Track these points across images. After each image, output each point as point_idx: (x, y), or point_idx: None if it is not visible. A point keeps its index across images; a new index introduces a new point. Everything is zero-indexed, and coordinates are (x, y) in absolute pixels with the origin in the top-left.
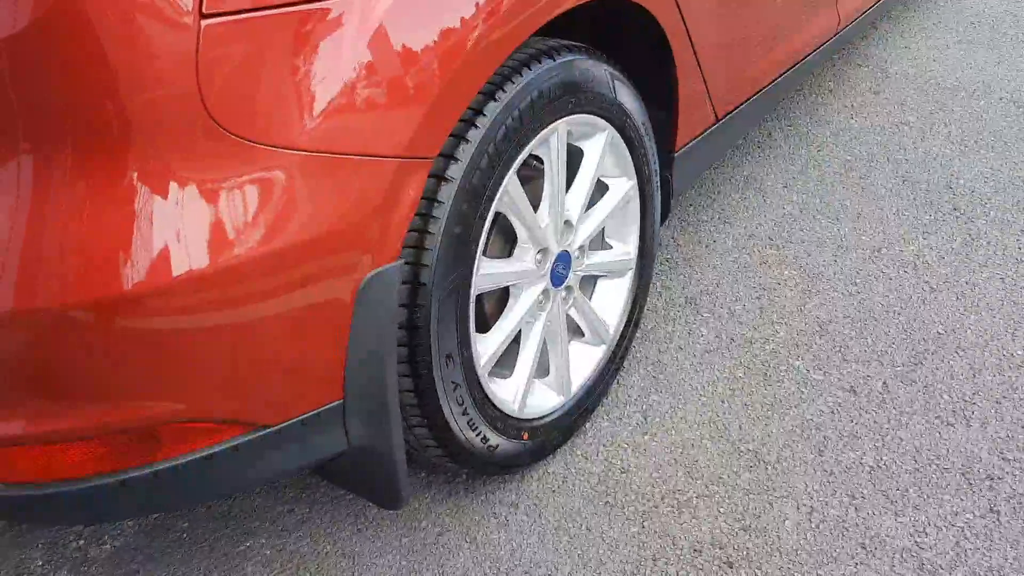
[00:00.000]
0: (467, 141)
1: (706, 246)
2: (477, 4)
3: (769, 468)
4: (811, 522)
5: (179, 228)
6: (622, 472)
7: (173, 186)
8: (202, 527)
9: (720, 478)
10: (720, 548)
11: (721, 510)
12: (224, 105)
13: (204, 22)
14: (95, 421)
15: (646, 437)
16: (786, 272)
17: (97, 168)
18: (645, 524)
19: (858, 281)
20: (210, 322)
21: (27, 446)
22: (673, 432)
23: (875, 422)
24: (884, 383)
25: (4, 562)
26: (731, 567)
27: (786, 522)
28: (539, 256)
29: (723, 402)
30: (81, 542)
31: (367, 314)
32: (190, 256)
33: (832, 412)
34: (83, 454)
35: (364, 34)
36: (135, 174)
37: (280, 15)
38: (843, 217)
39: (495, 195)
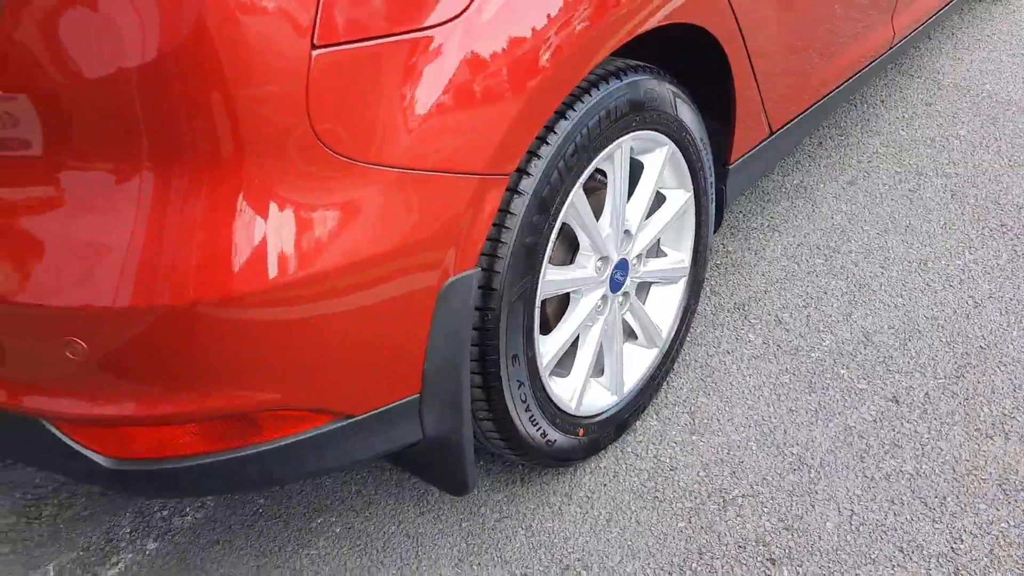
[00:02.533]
0: (539, 157)
1: (755, 253)
2: (557, 30)
3: (812, 472)
4: (851, 524)
5: (281, 236)
6: (671, 469)
7: (279, 200)
8: (277, 503)
9: (765, 479)
10: (764, 545)
11: (765, 509)
12: (329, 127)
13: (315, 52)
14: (202, 407)
15: (694, 437)
16: (833, 282)
17: (211, 183)
18: (692, 520)
19: (904, 293)
20: (305, 323)
21: (143, 426)
22: (720, 433)
23: (916, 432)
24: (926, 394)
25: (95, 528)
26: (774, 564)
27: (827, 523)
28: (599, 263)
29: (769, 407)
30: (165, 512)
31: (446, 316)
32: (289, 262)
33: (875, 420)
34: (191, 435)
35: (458, 62)
36: (245, 189)
37: (384, 44)
38: (891, 229)
39: (562, 207)
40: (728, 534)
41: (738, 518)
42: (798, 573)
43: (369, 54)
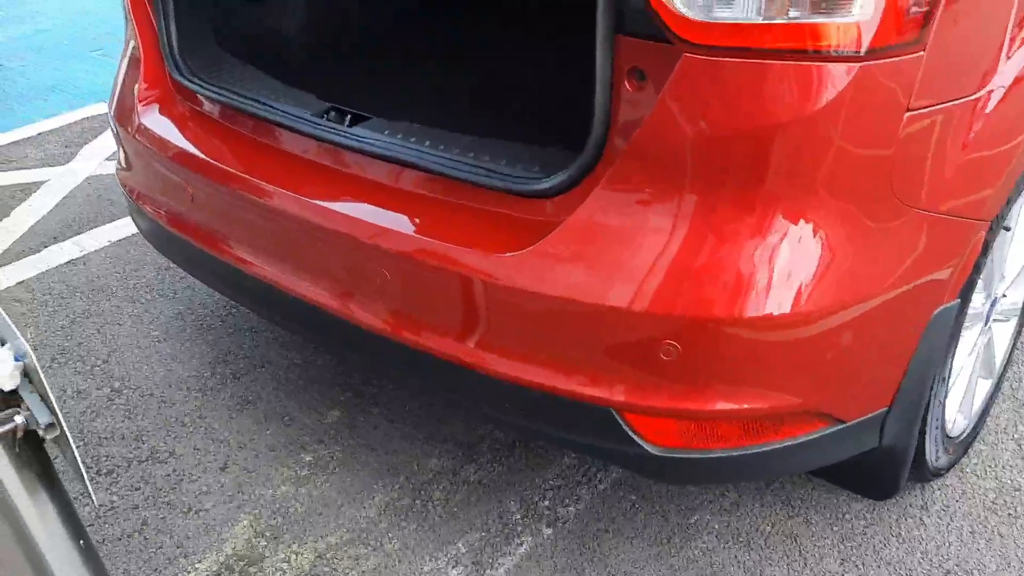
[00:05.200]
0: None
1: None
2: None
3: None
4: None
5: (835, 268)
6: (1015, 489)
7: (840, 235)
8: (649, 501)
9: None
10: None
11: None
12: (901, 175)
13: (907, 114)
14: (751, 406)
15: None
16: None
17: (766, 214)
18: None
19: None
20: (827, 345)
21: (681, 419)
22: None
23: None
24: None
25: (487, 512)
26: None
27: None
28: (984, 299)
29: None
30: (547, 503)
31: (928, 341)
32: (837, 290)
33: None
34: (732, 430)
35: (983, 127)
36: (809, 224)
37: (950, 107)
38: None
39: (991, 250)
40: None
41: None
42: None
43: (938, 115)
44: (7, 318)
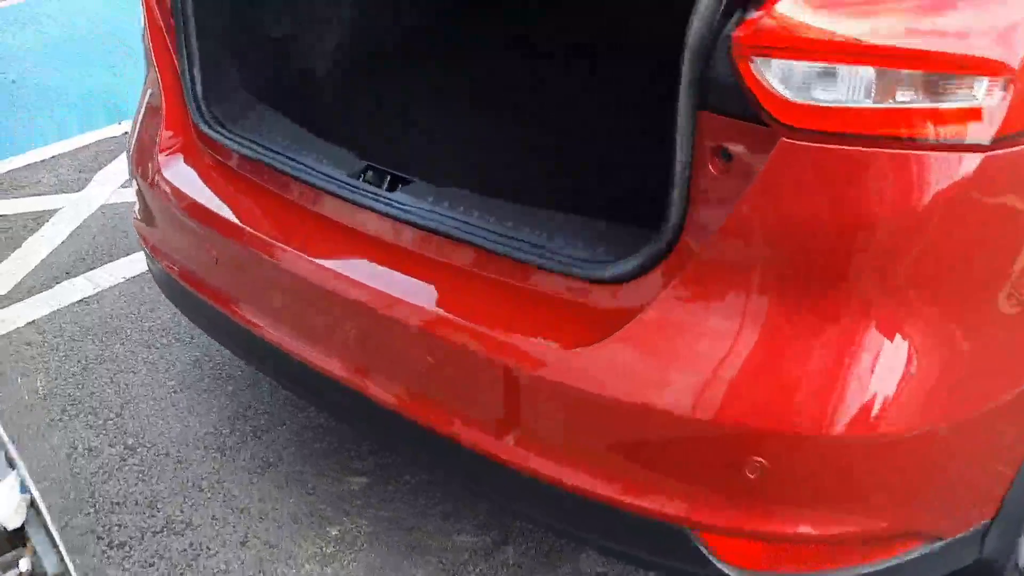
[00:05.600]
0: None
1: None
2: None
3: None
4: None
5: (931, 379)
6: None
7: (945, 342)
8: None
9: None
10: None
11: None
12: (1021, 276)
13: None
14: (836, 530)
15: None
16: None
17: (872, 317)
18: None
19: None
20: (930, 461)
21: (757, 540)
22: None
23: None
24: None
25: None
26: None
27: None
28: None
29: None
30: None
31: None
32: (933, 403)
33: None
34: (816, 552)
35: None
36: (917, 332)
37: None
38: None
39: None
40: None
41: None
42: None
43: None
44: (13, 448)
